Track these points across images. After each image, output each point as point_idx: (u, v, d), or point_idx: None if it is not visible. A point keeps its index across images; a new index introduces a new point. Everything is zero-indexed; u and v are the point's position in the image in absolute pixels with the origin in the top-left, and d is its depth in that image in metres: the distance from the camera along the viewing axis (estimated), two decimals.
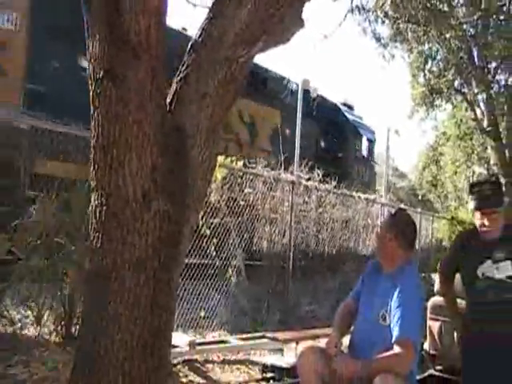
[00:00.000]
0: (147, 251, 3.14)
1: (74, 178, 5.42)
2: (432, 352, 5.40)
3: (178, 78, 3.40)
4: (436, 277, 4.78)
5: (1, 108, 7.40)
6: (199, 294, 7.90)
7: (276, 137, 12.85)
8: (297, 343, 6.08)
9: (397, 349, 3.39)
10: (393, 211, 4.04)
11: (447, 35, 14.00)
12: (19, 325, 5.22)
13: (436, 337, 5.34)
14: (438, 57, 17.16)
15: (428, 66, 17.36)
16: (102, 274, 3.18)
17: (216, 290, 8.26)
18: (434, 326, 5.35)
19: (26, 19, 9.00)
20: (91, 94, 3.19)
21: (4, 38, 8.81)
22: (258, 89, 13.85)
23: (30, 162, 7.13)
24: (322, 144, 18.02)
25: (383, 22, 14.81)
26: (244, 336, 6.75)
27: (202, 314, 7.76)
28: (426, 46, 16.35)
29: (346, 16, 11.93)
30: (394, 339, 3.42)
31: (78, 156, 6.80)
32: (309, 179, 9.70)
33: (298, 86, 12.89)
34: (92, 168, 3.18)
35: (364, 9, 13.85)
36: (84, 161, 4.39)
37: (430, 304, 5.43)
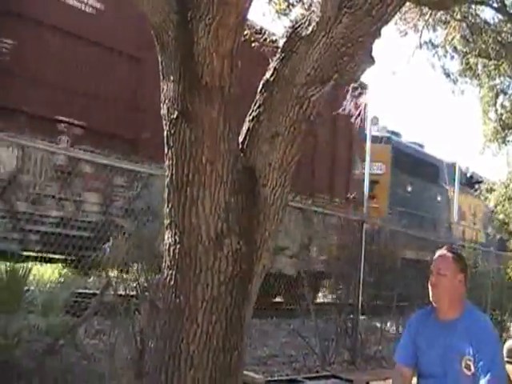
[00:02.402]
0: (219, 289, 3.15)
1: None
2: None
3: (250, 117, 3.45)
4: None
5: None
6: (266, 332, 7.87)
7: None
8: None
9: None
10: (447, 249, 3.40)
11: None
12: (92, 358, 5.31)
13: None
14: (510, 91, 16.77)
15: (499, 101, 16.96)
16: (174, 311, 3.21)
17: (283, 327, 8.21)
18: (510, 369, 5.11)
19: (389, 166, 16.63)
20: (165, 133, 3.28)
21: (377, 178, 15.33)
22: None
23: None
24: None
25: (452, 57, 14.63)
26: (314, 375, 6.65)
27: (270, 351, 7.72)
28: (498, 81, 16.00)
29: (414, 52, 11.84)
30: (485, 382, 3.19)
31: None
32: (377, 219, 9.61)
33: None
34: (166, 206, 3.24)
35: (433, 44, 13.73)
36: None
37: (506, 346, 5.21)
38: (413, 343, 3.36)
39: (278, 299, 11.73)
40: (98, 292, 5.07)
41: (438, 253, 3.34)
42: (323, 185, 12.92)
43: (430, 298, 3.30)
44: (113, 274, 5.22)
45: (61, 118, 7.91)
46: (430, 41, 13.45)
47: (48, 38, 7.85)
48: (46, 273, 8.15)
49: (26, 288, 4.32)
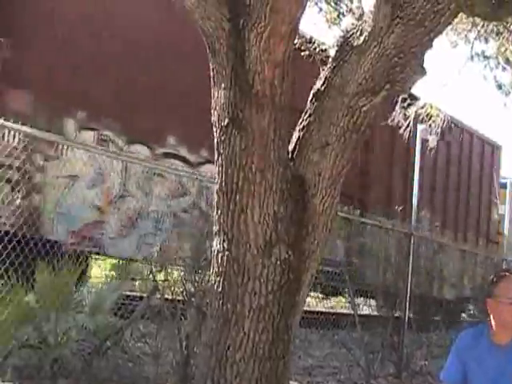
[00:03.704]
0: (267, 298, 3.16)
1: None
2: None
3: (301, 126, 3.45)
4: None
5: None
6: (310, 342, 7.83)
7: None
8: None
9: None
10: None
11: None
12: (138, 361, 5.37)
13: None
14: None
15: None
16: (221, 318, 3.23)
17: (328, 338, 8.16)
18: None
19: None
20: (216, 140, 3.30)
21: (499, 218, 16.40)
22: None
23: None
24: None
25: (504, 69, 14.33)
26: None
27: (314, 362, 7.67)
28: None
29: (465, 63, 11.65)
30: None
31: None
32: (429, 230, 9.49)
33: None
34: (215, 213, 3.27)
35: (484, 55, 13.48)
36: None
37: None
38: (461, 363, 3.23)
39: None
40: (145, 295, 5.13)
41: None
42: (471, 225, 15.32)
43: (494, 322, 3.12)
44: (160, 278, 5.28)
45: None
46: (483, 52, 13.21)
47: None
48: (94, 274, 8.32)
49: (74, 289, 4.41)
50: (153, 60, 8.19)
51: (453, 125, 14.67)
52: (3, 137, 5.89)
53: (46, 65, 7.28)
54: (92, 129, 7.74)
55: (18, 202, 6.45)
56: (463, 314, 11.91)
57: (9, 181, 5.93)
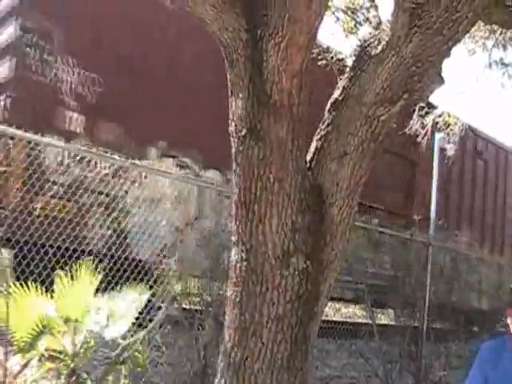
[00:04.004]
0: (285, 308, 3.15)
1: None
2: None
3: (318, 136, 3.45)
4: None
5: None
6: (327, 352, 7.79)
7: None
8: None
9: None
10: None
11: None
12: (156, 371, 5.37)
13: None
14: None
15: None
16: (239, 328, 3.22)
17: (346, 348, 8.11)
18: None
19: None
20: (233, 150, 3.31)
21: None
22: None
23: None
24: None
25: None
26: None
27: (332, 372, 7.63)
28: None
29: (483, 71, 11.58)
30: None
31: None
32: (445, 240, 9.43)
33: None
34: (233, 223, 3.27)
35: (503, 63, 13.40)
36: None
37: None
38: (483, 376, 3.18)
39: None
40: (163, 305, 5.14)
41: None
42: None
43: None
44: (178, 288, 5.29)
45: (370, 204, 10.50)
46: (501, 60, 13.14)
47: None
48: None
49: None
50: (223, 90, 8.51)
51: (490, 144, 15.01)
52: (96, 165, 6.64)
53: (132, 100, 8.22)
54: (172, 156, 8.72)
55: (108, 224, 7.01)
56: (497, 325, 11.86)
57: (100, 205, 6.72)
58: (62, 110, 7.82)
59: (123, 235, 6.53)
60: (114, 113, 8.03)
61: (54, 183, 7.07)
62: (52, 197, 6.99)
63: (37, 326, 3.63)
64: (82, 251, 5.37)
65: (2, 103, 7.67)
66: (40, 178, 6.30)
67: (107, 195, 6.75)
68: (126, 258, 5.64)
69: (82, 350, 3.88)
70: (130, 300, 4.21)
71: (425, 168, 12.32)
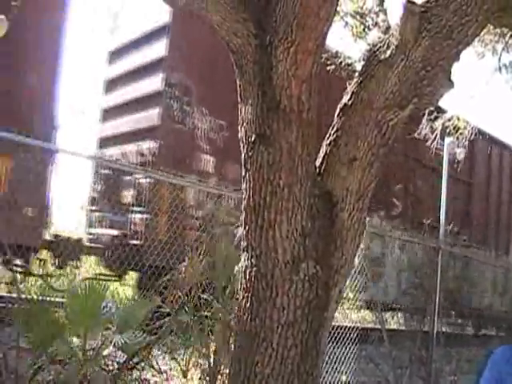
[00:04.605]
0: (295, 314, 3.14)
1: None
2: None
3: (328, 141, 3.44)
4: None
5: None
6: (338, 357, 7.75)
7: None
8: None
9: None
10: None
11: None
12: (165, 376, 5.36)
13: None
14: None
15: None
16: (249, 334, 3.21)
17: (355, 353, 8.06)
18: None
19: None
20: (243, 156, 3.31)
21: None
22: None
23: None
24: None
25: None
26: None
27: (342, 377, 7.59)
28: None
29: (492, 75, 11.53)
30: None
31: None
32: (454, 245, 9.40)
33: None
34: (243, 229, 3.26)
35: None
36: None
37: None
38: (496, 381, 3.06)
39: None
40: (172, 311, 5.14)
41: None
42: None
43: None
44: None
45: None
46: (510, 63, 13.08)
47: None
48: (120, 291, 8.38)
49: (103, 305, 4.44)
50: None
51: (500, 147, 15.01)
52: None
53: None
54: None
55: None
56: None
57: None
58: (198, 153, 9.26)
59: None
60: (238, 155, 8.32)
61: (192, 217, 8.44)
62: (190, 228, 8.19)
63: (48, 330, 3.64)
64: None
65: (150, 148, 8.96)
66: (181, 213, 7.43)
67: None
68: None
69: (92, 356, 3.89)
70: (141, 306, 4.22)
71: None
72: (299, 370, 3.16)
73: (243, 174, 3.30)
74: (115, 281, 8.98)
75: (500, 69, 12.77)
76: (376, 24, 7.27)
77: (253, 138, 3.23)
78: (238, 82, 3.34)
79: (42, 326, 3.59)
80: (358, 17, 7.41)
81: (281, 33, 3.12)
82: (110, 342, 4.05)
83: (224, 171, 9.32)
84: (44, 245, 8.11)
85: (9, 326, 4.56)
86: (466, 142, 8.71)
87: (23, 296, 3.92)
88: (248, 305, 3.21)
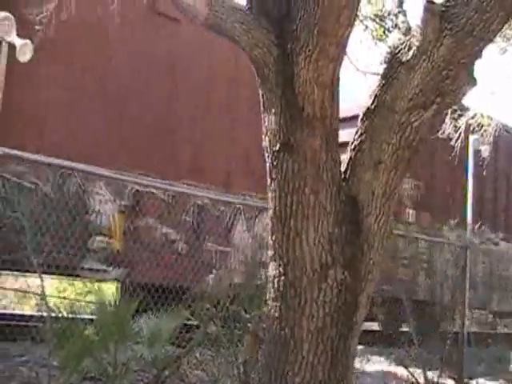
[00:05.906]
0: (325, 321, 3.11)
1: None
2: None
3: (352, 146, 3.41)
4: None
5: None
6: (368, 360, 7.70)
7: None
8: None
9: None
10: None
11: None
12: None
13: None
14: None
15: None
16: (279, 342, 3.20)
17: (386, 355, 8.01)
18: None
19: None
20: (268, 165, 3.29)
21: None
22: None
23: None
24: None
25: None
26: None
27: (372, 380, 7.52)
28: None
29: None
30: None
31: None
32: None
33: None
34: (270, 238, 3.25)
35: None
36: None
37: None
38: None
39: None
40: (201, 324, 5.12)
41: None
42: None
43: None
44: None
45: None
46: None
47: None
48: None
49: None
50: None
51: None
52: None
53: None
54: None
55: None
56: None
57: None
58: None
59: None
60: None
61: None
62: None
63: (78, 347, 3.65)
64: None
65: None
66: None
67: None
68: None
69: (123, 371, 3.88)
70: (170, 319, 4.22)
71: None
72: (330, 377, 3.13)
73: (268, 183, 3.28)
74: None
75: None
76: (396, 26, 7.21)
77: (277, 147, 3.21)
78: (260, 92, 3.33)
79: (72, 344, 3.59)
80: (377, 19, 7.37)
81: (302, 40, 3.11)
82: (140, 357, 4.05)
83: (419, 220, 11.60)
84: None
85: (39, 344, 4.57)
86: (491, 139, 8.60)
87: (53, 314, 3.92)
88: (277, 314, 3.19)
